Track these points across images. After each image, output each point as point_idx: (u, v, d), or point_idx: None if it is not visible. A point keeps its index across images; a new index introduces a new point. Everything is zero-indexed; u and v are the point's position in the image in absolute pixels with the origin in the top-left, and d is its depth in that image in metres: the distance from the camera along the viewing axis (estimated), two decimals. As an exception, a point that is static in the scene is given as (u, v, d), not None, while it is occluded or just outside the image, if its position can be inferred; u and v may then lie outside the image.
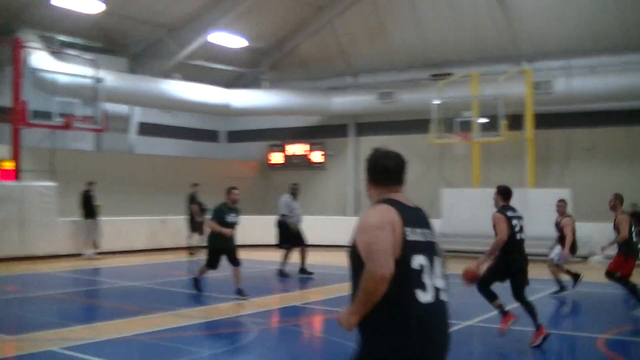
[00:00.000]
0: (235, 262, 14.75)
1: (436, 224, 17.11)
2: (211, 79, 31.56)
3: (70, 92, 23.60)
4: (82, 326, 11.51)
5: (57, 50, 25.40)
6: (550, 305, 14.67)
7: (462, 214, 25.18)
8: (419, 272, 4.32)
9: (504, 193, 10.99)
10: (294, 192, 20.20)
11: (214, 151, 36.62)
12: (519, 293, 10.64)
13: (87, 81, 22.98)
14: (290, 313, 13.73)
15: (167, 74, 29.56)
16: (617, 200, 13.75)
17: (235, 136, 37.45)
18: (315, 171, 34.10)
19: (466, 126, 24.91)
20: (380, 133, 31.73)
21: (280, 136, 35.26)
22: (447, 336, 4.51)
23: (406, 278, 4.25)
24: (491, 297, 10.79)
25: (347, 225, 25.86)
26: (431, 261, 4.41)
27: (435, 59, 29.92)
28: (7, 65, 25.01)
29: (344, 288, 15.23)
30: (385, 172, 4.73)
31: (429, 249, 4.44)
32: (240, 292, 14.60)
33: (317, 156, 34.03)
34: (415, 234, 4.37)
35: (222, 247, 14.81)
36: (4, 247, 21.56)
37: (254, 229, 27.36)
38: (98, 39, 28.08)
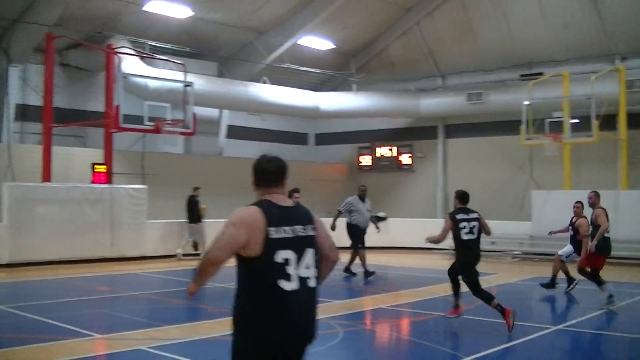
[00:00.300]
0: None
1: (526, 226, 17.12)
2: (299, 81, 31.68)
3: (161, 96, 23.94)
4: (170, 326, 11.64)
5: (147, 55, 25.82)
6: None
7: (552, 216, 24.66)
8: (282, 265, 4.90)
9: (461, 197, 12.40)
10: (361, 194, 20.29)
11: (302, 154, 36.73)
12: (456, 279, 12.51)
13: (177, 85, 23.24)
14: (377, 315, 13.67)
15: (256, 78, 29.77)
16: (597, 198, 14.84)
17: (323, 139, 37.53)
18: (404, 173, 33.93)
19: (557, 127, 24.42)
20: (468, 134, 31.52)
21: (368, 138, 35.20)
22: (310, 319, 5.09)
23: (269, 271, 4.86)
24: (488, 299, 11.80)
25: (435, 228, 25.74)
26: (300, 254, 4.99)
27: (524, 59, 29.49)
28: (100, 71, 25.56)
29: (434, 290, 15.20)
30: (264, 174, 5.31)
31: (297, 243, 5.01)
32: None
33: (405, 158, 33.86)
34: (280, 232, 4.95)
35: None
36: (96, 248, 21.99)
37: (343, 231, 27.36)
38: (187, 44, 28.44)
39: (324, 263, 5.36)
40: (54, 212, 21.34)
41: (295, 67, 30.82)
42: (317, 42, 30.32)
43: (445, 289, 17.33)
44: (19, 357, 9.32)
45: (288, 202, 5.26)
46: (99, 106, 25.32)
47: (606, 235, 14.30)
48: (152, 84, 24.38)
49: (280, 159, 5.39)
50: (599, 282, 14.15)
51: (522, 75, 29.40)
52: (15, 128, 25.03)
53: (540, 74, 27.90)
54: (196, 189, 24.16)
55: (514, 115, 26.00)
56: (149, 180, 24.52)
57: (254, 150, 32.88)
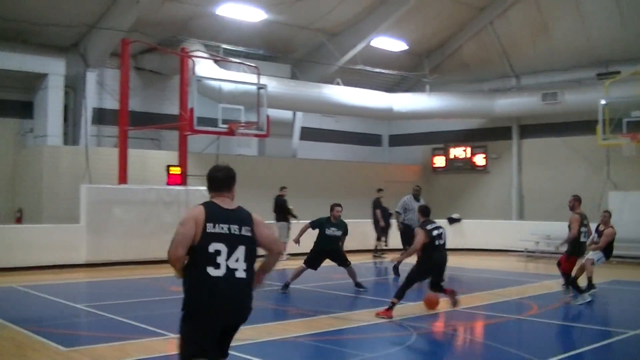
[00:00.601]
0: (344, 263, 16.58)
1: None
2: (372, 83, 31.66)
3: (234, 98, 24.07)
4: (244, 326, 11.65)
5: (221, 58, 26.02)
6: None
7: (630, 218, 24.26)
8: (213, 255, 6.02)
9: (424, 211, 14.37)
10: (416, 193, 20.38)
11: (375, 155, 36.69)
12: (437, 284, 13.89)
13: (251, 88, 23.37)
14: (450, 317, 13.55)
15: (329, 79, 29.79)
16: (576, 202, 15.47)
17: (397, 140, 37.41)
18: (478, 174, 33.62)
19: (635, 126, 23.94)
20: (544, 135, 31.09)
21: (441, 139, 34.99)
22: (236, 302, 6.15)
23: (201, 258, 6.01)
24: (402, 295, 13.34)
25: (510, 230, 25.65)
26: (231, 248, 6.10)
27: (601, 58, 28.93)
28: (175, 75, 25.85)
29: (508, 293, 15.02)
30: (214, 181, 6.52)
31: (231, 239, 6.12)
32: (358, 285, 16.51)
33: (479, 159, 33.55)
34: (216, 228, 6.07)
35: (326, 250, 16.56)
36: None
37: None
38: (260, 46, 28.59)
39: (269, 255, 6.67)
40: (129, 213, 21.63)
41: (369, 68, 30.78)
42: (390, 43, 30.23)
43: (519, 291, 17.17)
44: (95, 355, 9.45)
45: (231, 205, 6.38)
46: (173, 109, 25.60)
47: (582, 239, 15.05)
48: (226, 86, 24.53)
49: (229, 169, 6.63)
50: (573, 282, 15.21)
51: (599, 74, 28.88)
52: (92, 131, 25.45)
53: (618, 72, 27.39)
54: (282, 188, 24.65)
55: (591, 115, 25.62)
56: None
57: (327, 152, 33.05)
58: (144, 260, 21.53)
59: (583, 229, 15.06)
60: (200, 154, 26.84)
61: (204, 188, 19.83)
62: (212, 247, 6.02)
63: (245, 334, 10.87)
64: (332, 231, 16.43)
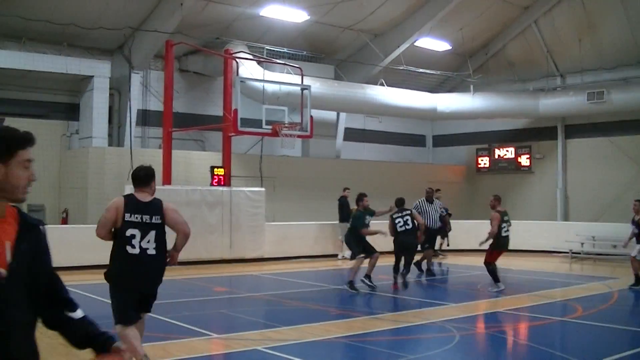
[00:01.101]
0: (371, 251, 16.68)
1: None
2: (416, 83, 31.55)
3: (278, 99, 24.14)
4: (287, 327, 11.70)
5: (265, 59, 26.10)
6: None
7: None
8: (130, 238, 7.65)
9: (397, 203, 17.18)
10: (428, 196, 20.81)
11: (419, 156, 36.58)
12: (408, 264, 16.69)
13: (294, 89, 23.42)
14: (493, 319, 13.48)
15: (373, 80, 29.76)
16: (496, 201, 17.02)
17: (441, 140, 37.26)
18: (523, 175, 33.37)
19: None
20: (589, 135, 30.77)
21: (486, 140, 34.80)
22: (148, 274, 7.90)
23: (121, 240, 7.65)
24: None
25: (555, 230, 25.37)
26: (143, 233, 7.72)
27: (648, 55, 28.68)
28: (219, 76, 25.98)
29: (553, 294, 14.90)
30: (136, 179, 8.10)
31: (143, 226, 7.73)
32: (366, 277, 16.58)
33: (524, 159, 33.29)
34: (132, 217, 7.67)
35: (363, 240, 17.00)
36: (215, 249, 22.29)
37: (461, 233, 27.14)
38: (304, 47, 28.63)
39: (177, 236, 8.09)
40: (174, 214, 21.71)
41: (412, 68, 30.68)
42: (433, 44, 30.14)
43: (564, 293, 17.01)
44: (139, 355, 9.52)
45: (147, 198, 7.92)
46: (217, 110, 25.72)
47: (504, 234, 16.63)
48: (270, 87, 24.60)
49: (149, 169, 8.21)
50: (492, 271, 16.74)
51: (646, 72, 28.61)
52: (136, 133, 25.70)
53: (665, 69, 27.10)
54: (345, 189, 24.74)
55: (637, 114, 25.42)
56: (267, 183, 24.79)
57: (371, 152, 33.01)
58: (188, 260, 21.59)
59: (504, 225, 16.63)
60: (244, 154, 26.95)
61: (248, 189, 20.09)
62: (129, 232, 7.66)
63: (288, 335, 10.94)
64: (368, 219, 16.77)
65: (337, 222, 24.58)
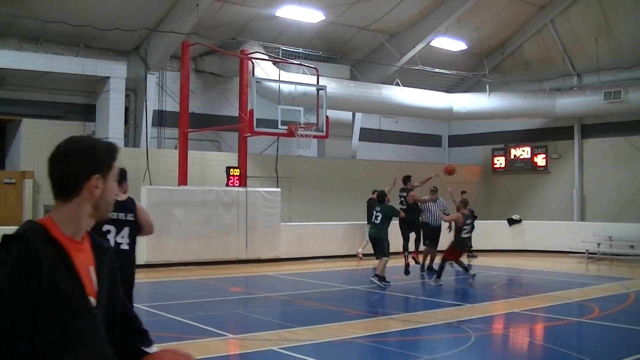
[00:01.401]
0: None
1: None
2: (432, 83, 31.54)
3: (294, 100, 24.15)
4: (302, 327, 11.70)
5: (280, 60, 26.11)
6: None
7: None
8: (105, 233, 8.02)
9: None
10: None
11: (435, 156, 36.53)
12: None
13: (310, 89, 23.41)
14: (510, 320, 13.44)
15: (389, 80, 29.74)
16: (462, 204, 18.24)
17: (457, 140, 37.20)
18: (539, 175, 33.27)
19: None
20: (606, 135, 30.65)
21: (502, 140, 34.72)
22: (123, 267, 6.40)
23: (99, 233, 6.14)
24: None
25: (571, 231, 25.36)
26: (118, 229, 8.25)
27: (665, 54, 28.58)
28: (234, 77, 26.02)
29: (569, 295, 14.85)
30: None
31: (118, 223, 8.21)
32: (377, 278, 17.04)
33: (540, 159, 33.20)
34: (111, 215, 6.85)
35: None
36: (230, 250, 22.32)
37: (476, 234, 27.04)
38: (320, 48, 28.62)
39: (142, 232, 8.72)
40: (190, 214, 21.77)
41: (428, 68, 30.61)
42: (449, 43, 30.12)
43: (581, 293, 16.95)
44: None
45: (122, 198, 8.33)
46: (233, 111, 25.73)
47: (464, 235, 17.77)
48: (286, 88, 24.60)
49: (122, 169, 8.37)
50: (442, 266, 17.73)
51: (663, 72, 28.52)
52: (152, 133, 25.77)
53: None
54: (374, 192, 24.49)
55: (655, 113, 25.26)
56: (283, 183, 24.80)
57: (387, 152, 33.00)
58: (203, 261, 21.69)
59: (465, 227, 17.57)
60: (260, 155, 26.97)
61: (264, 189, 20.16)
62: (105, 227, 8.07)
63: (304, 335, 10.94)
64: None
65: (365, 222, 24.42)
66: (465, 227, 17.62)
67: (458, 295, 17.25)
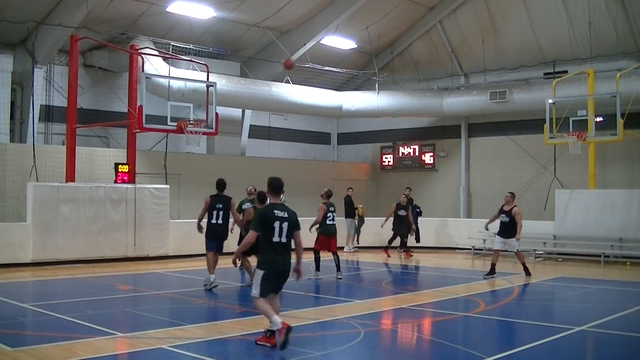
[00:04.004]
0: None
1: (549, 225, 17.38)
2: (321, 81, 31.77)
3: (184, 96, 24.09)
4: (193, 325, 11.68)
5: (170, 56, 25.93)
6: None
7: (576, 215, 24.67)
8: None
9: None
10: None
11: (324, 153, 36.83)
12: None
13: (200, 85, 23.33)
14: (398, 315, 13.66)
15: (278, 77, 29.84)
16: (325, 195, 18.80)
17: (346, 138, 37.59)
18: (427, 172, 33.91)
19: (581, 125, 24.23)
20: (492, 133, 31.53)
21: (390, 138, 35.25)
22: None
23: None
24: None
25: (459, 227, 25.89)
26: None
27: (548, 57, 29.47)
28: (124, 72, 25.73)
29: (456, 290, 15.18)
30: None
31: None
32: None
33: (428, 157, 33.83)
34: None
35: None
36: (119, 247, 22.12)
37: (364, 230, 27.60)
38: (210, 44, 28.53)
39: None
40: (77, 211, 21.46)
41: (318, 66, 30.85)
42: (339, 42, 30.41)
43: (467, 288, 17.36)
44: (42, 355, 9.40)
45: None
46: (122, 107, 25.47)
47: (329, 222, 18.47)
48: (175, 84, 24.52)
49: None
50: (318, 267, 18.65)
51: (546, 74, 29.41)
52: (39, 129, 25.28)
53: (565, 72, 27.84)
54: (349, 189, 27.27)
55: (538, 114, 26.02)
56: (172, 180, 24.67)
57: (276, 150, 33.10)
58: (91, 258, 21.43)
59: (329, 215, 18.38)
60: (149, 152, 26.77)
61: (153, 186, 20.07)
62: None
63: (194, 333, 10.94)
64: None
65: (344, 218, 26.90)
66: (329, 214, 18.42)
67: (347, 291, 17.42)
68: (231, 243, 16.58)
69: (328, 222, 18.43)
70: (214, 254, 16.40)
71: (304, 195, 27.78)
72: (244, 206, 18.05)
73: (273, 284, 10.24)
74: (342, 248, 26.10)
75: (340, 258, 18.87)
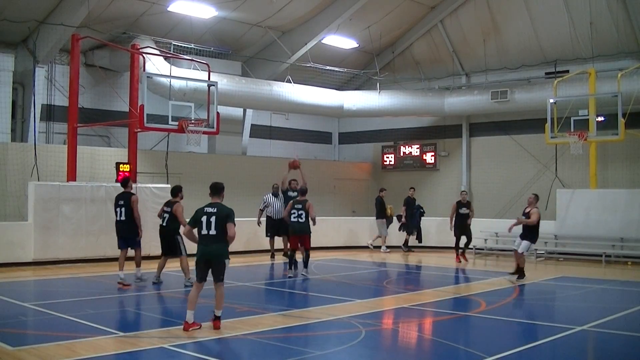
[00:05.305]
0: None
1: (550, 225, 17.34)
2: (323, 81, 31.76)
3: (185, 96, 24.08)
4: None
5: (172, 55, 25.93)
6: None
7: (577, 215, 24.66)
8: None
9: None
10: (274, 191, 23.65)
11: (326, 153, 36.81)
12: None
13: (201, 85, 23.28)
14: (399, 314, 13.66)
15: (280, 77, 29.84)
16: (301, 194, 19.17)
17: (347, 138, 37.58)
18: (428, 172, 33.91)
19: (583, 125, 24.17)
20: (493, 133, 31.52)
21: (391, 137, 35.23)
22: None
23: None
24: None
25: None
26: None
27: (549, 57, 29.46)
28: (125, 71, 25.71)
29: (457, 290, 15.17)
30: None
31: None
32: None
33: (429, 157, 33.83)
34: None
35: None
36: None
37: (364, 230, 27.54)
38: (211, 44, 28.54)
39: None
40: (79, 211, 21.45)
41: (320, 66, 30.83)
42: (341, 41, 30.39)
43: (468, 288, 17.35)
44: (44, 354, 9.40)
45: None
46: (123, 106, 25.44)
47: (293, 219, 18.56)
48: (177, 83, 24.52)
49: None
50: (291, 264, 18.94)
51: (547, 73, 29.39)
52: (41, 128, 25.29)
53: (566, 71, 27.83)
54: (381, 190, 27.40)
55: (539, 113, 25.97)
56: (173, 180, 24.65)
57: (277, 149, 33.09)
58: (92, 258, 21.41)
59: (293, 212, 18.54)
60: (150, 151, 26.77)
61: (154, 185, 19.98)
62: None
63: (194, 332, 10.91)
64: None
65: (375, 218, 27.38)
66: (294, 211, 18.61)
67: (349, 291, 17.42)
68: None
69: (292, 219, 18.67)
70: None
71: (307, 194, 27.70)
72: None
73: (201, 269, 11.62)
74: (379, 248, 26.73)
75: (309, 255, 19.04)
